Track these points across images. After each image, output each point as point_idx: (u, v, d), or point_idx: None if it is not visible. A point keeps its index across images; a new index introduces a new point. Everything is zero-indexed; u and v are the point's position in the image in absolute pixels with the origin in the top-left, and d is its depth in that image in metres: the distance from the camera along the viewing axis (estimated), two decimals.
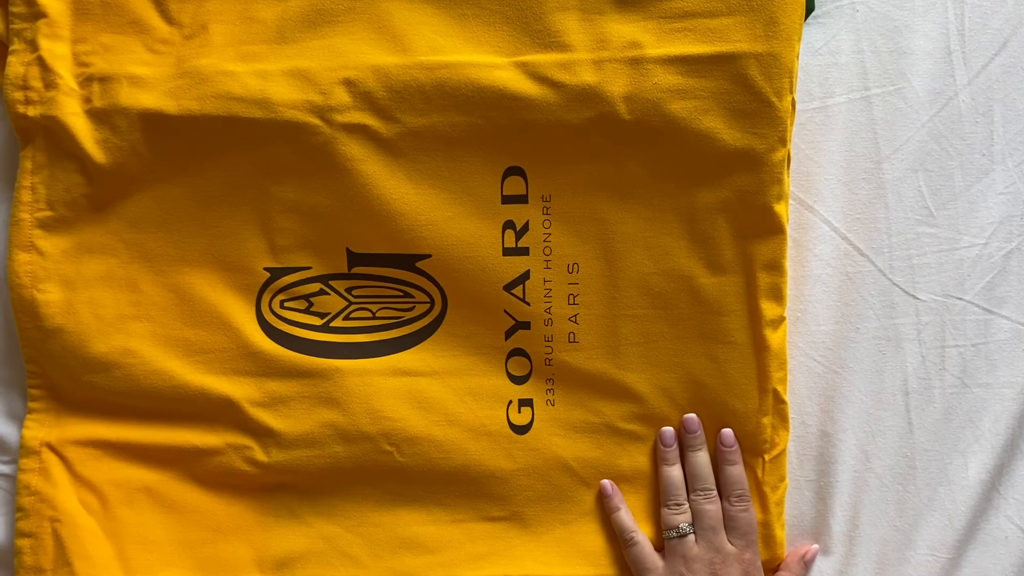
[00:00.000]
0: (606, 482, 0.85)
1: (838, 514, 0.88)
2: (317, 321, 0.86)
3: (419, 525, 0.86)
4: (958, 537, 0.88)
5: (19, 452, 0.86)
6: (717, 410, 0.84)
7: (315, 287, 0.86)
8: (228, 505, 0.86)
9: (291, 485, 0.86)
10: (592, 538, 0.86)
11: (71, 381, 0.85)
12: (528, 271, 0.84)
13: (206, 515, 0.86)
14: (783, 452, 0.84)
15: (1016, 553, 0.87)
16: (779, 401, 0.83)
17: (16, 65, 0.82)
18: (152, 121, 0.82)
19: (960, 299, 0.87)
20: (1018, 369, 0.88)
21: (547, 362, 0.85)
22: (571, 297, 0.84)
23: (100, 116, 0.83)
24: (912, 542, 0.88)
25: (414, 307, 0.86)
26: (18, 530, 0.84)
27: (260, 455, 0.85)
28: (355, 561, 0.86)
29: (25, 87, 0.82)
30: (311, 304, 0.86)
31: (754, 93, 0.79)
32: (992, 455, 0.88)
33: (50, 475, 0.84)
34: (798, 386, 0.88)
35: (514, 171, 0.83)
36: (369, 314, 0.86)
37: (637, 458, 0.85)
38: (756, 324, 0.83)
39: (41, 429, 0.85)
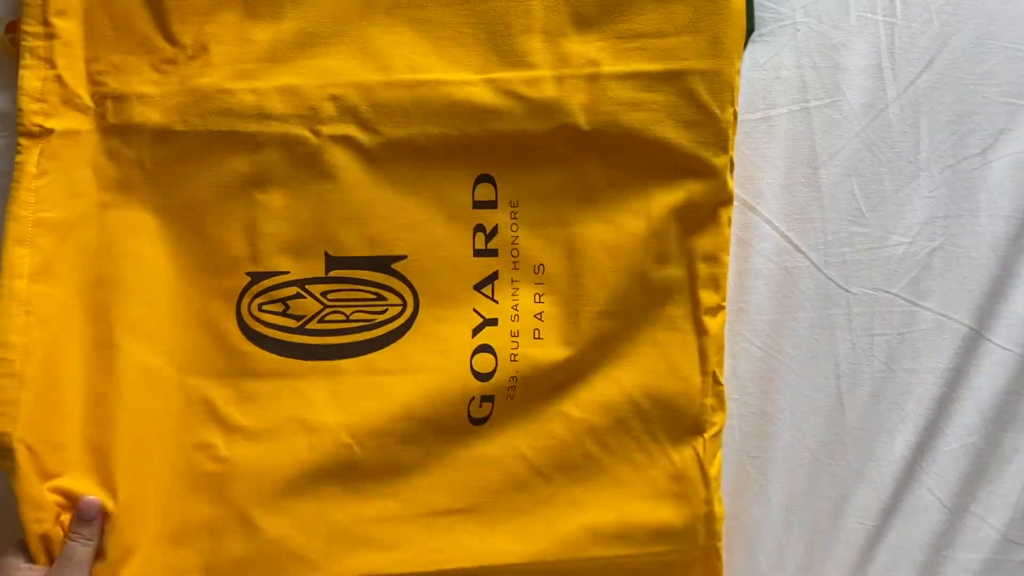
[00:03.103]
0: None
1: (776, 486, 0.92)
2: (293, 323, 0.87)
3: (376, 522, 0.87)
4: (884, 507, 0.92)
5: None
6: (663, 394, 0.86)
7: (292, 291, 0.87)
8: (180, 513, 0.86)
9: (248, 484, 0.86)
10: (546, 526, 0.87)
11: (42, 369, 0.83)
12: (497, 271, 0.87)
13: (154, 523, 0.86)
14: (720, 431, 0.87)
15: (935, 521, 0.92)
16: (717, 383, 0.86)
17: (32, 79, 0.83)
18: (161, 137, 0.85)
19: (888, 292, 0.91)
20: (940, 356, 0.91)
21: (512, 358, 0.86)
22: (537, 296, 0.87)
23: (113, 131, 0.85)
24: (842, 511, 0.92)
25: (387, 310, 0.87)
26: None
27: (224, 451, 0.86)
28: (308, 563, 0.86)
29: (41, 99, 0.84)
30: (288, 307, 0.87)
31: (699, 106, 0.82)
32: (915, 434, 0.92)
33: (25, 475, 0.82)
34: (741, 370, 0.91)
35: (484, 179, 0.87)
36: (343, 317, 0.87)
37: (589, 446, 0.87)
38: (697, 311, 0.86)
39: (11, 421, 0.81)
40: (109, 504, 0.82)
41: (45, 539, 0.80)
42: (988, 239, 0.91)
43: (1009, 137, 0.90)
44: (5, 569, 0.79)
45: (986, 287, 0.91)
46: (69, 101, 0.85)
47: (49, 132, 0.84)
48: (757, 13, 0.89)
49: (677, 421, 0.87)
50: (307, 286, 0.87)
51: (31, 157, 0.83)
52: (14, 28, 0.87)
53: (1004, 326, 0.91)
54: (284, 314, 0.87)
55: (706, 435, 0.86)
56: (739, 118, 0.88)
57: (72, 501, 0.82)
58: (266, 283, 0.87)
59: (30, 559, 0.80)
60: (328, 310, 0.87)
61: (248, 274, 0.87)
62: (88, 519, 0.80)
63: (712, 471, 0.87)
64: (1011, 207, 0.91)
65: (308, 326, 0.87)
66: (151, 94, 0.85)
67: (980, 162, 0.90)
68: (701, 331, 0.86)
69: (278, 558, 0.86)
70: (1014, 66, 0.90)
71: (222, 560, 0.85)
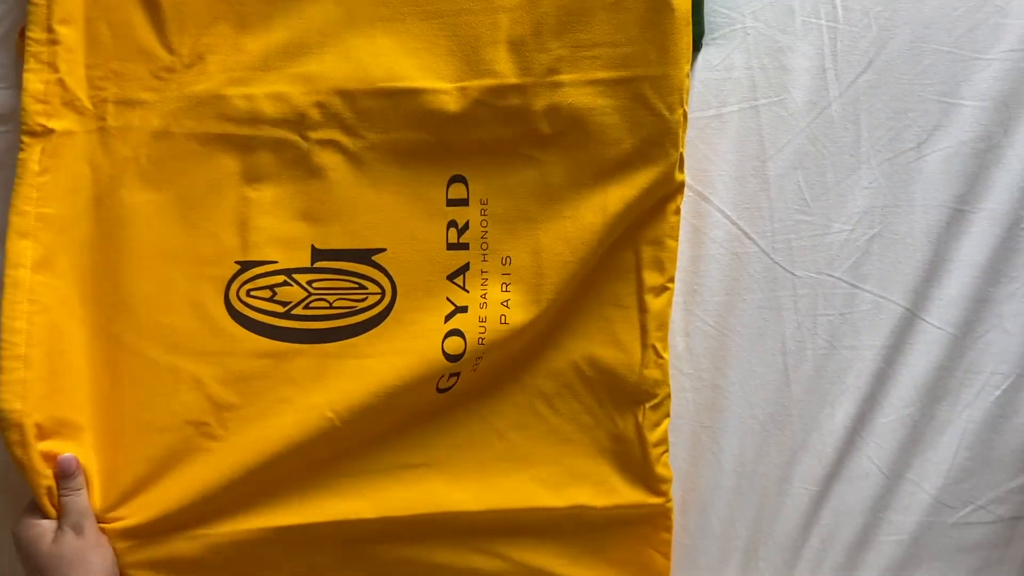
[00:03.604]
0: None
1: (728, 453, 0.95)
2: (279, 309, 0.91)
3: (351, 476, 0.91)
4: (826, 473, 0.95)
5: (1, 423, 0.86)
6: (605, 362, 0.91)
7: (279, 279, 0.91)
8: (177, 485, 0.89)
9: (238, 459, 0.88)
10: (501, 479, 0.92)
11: (47, 352, 0.87)
12: (468, 263, 0.91)
13: (152, 495, 0.90)
14: (662, 400, 0.91)
15: (874, 486, 0.95)
16: (658, 356, 0.90)
17: (35, 82, 0.88)
18: (158, 137, 0.89)
19: (830, 276, 0.94)
20: (877, 334, 0.94)
21: (480, 341, 0.89)
22: (504, 285, 0.90)
23: (113, 132, 0.90)
24: (789, 477, 0.95)
25: (367, 298, 0.91)
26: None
27: (218, 430, 0.89)
28: (288, 510, 0.90)
29: (44, 101, 0.88)
30: (275, 293, 0.90)
31: (650, 109, 0.86)
32: (855, 406, 0.95)
33: (32, 446, 0.86)
34: (695, 347, 0.94)
35: (457, 179, 0.91)
36: (326, 304, 0.91)
37: (539, 408, 0.92)
38: (640, 291, 0.90)
39: (17, 398, 0.86)
40: (95, 482, 0.89)
41: (50, 493, 0.87)
42: (922, 227, 0.94)
43: (942, 133, 0.93)
44: (25, 526, 0.86)
45: (920, 271, 0.94)
46: (69, 103, 0.90)
47: (50, 132, 0.89)
48: (709, 18, 0.94)
49: (619, 388, 0.91)
50: (294, 275, 0.91)
51: (33, 155, 0.88)
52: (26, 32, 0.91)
53: (937, 307, 0.94)
54: (271, 300, 0.91)
55: (647, 404, 0.91)
56: (694, 115, 0.93)
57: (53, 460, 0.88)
58: (254, 271, 0.91)
59: (43, 516, 0.87)
60: (313, 297, 0.91)
61: (237, 263, 0.91)
62: (69, 474, 0.87)
63: (652, 437, 0.91)
64: (943, 197, 0.93)
65: (294, 312, 0.91)
66: (150, 100, 0.90)
67: (915, 156, 0.93)
68: (643, 308, 0.90)
69: (262, 506, 0.90)
70: (946, 67, 0.93)
71: (211, 512, 0.90)
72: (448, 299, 0.91)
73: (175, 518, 0.89)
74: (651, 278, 0.91)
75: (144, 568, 0.90)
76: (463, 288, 0.91)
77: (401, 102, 0.89)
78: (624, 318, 0.91)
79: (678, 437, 0.95)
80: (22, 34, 0.91)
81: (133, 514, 0.90)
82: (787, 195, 0.95)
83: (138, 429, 0.91)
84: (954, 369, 0.95)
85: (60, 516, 0.87)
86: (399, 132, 0.90)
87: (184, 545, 0.90)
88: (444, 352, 0.90)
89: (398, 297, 0.92)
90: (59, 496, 0.87)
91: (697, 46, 0.93)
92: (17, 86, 0.93)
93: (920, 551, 0.97)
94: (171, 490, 0.89)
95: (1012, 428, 0.96)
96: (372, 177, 0.91)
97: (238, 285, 0.91)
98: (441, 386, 0.91)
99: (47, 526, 0.86)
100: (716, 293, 0.96)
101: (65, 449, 0.88)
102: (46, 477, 0.87)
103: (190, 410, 0.90)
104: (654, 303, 0.91)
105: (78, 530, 0.86)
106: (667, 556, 0.94)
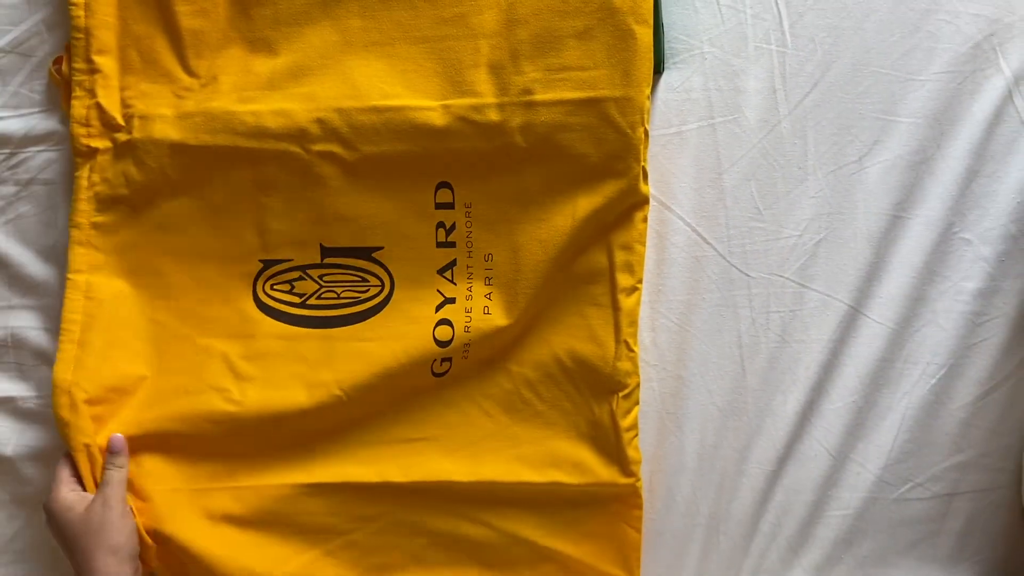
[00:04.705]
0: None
1: (690, 438, 0.99)
2: (297, 300, 0.99)
3: (357, 445, 0.98)
4: (779, 455, 0.99)
5: (52, 391, 0.95)
6: (583, 355, 0.96)
7: (296, 274, 0.98)
8: (199, 446, 0.98)
9: (256, 422, 0.96)
10: (489, 455, 0.97)
11: (101, 335, 0.96)
12: (455, 259, 0.97)
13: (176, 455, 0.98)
14: (633, 390, 0.95)
15: (822, 467, 0.99)
16: (629, 350, 0.95)
17: (80, 108, 0.96)
18: (177, 149, 0.95)
19: (781, 276, 0.98)
20: (824, 329, 0.98)
21: (466, 329, 0.95)
22: (487, 279, 0.97)
23: (139, 145, 0.96)
24: (745, 459, 0.99)
25: (368, 289, 0.98)
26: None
27: (237, 395, 0.97)
28: (300, 468, 0.98)
29: (87, 124, 0.96)
30: (293, 287, 0.99)
31: (614, 127, 0.91)
32: (805, 394, 0.98)
33: (78, 410, 0.95)
34: (660, 341, 0.99)
35: (443, 185, 0.97)
36: (335, 295, 0.98)
37: (525, 394, 0.98)
38: (614, 291, 0.95)
39: (69, 371, 0.94)
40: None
41: (88, 451, 0.95)
42: (864, 232, 0.97)
43: (881, 147, 0.97)
44: (55, 499, 0.94)
45: (862, 272, 0.98)
46: (107, 124, 0.97)
47: (95, 151, 0.97)
48: (670, 44, 0.99)
49: (595, 378, 0.96)
50: (308, 270, 0.99)
51: (84, 173, 0.97)
52: (59, 61, 1.00)
53: (877, 304, 0.98)
54: (290, 292, 0.99)
55: (620, 393, 0.95)
56: (657, 132, 0.98)
57: (103, 423, 0.97)
58: (275, 268, 0.99)
59: (71, 489, 0.95)
60: (324, 289, 0.99)
61: (260, 261, 1.00)
62: (117, 451, 0.96)
63: (625, 423, 0.96)
64: (882, 205, 0.97)
65: (308, 302, 1.00)
66: (171, 115, 0.97)
67: (857, 168, 0.97)
68: (616, 307, 0.95)
69: (278, 466, 0.99)
70: (885, 88, 0.97)
71: (231, 468, 0.99)
72: (438, 291, 0.98)
73: (202, 469, 0.99)
74: (623, 279, 0.96)
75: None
76: (451, 281, 0.98)
77: (392, 118, 0.95)
78: (600, 316, 0.96)
79: (645, 423, 0.99)
80: (56, 63, 0.99)
81: (163, 465, 0.99)
82: (741, 204, 0.99)
83: (173, 392, 0.99)
84: (894, 360, 0.99)
85: (98, 485, 0.95)
86: (390, 144, 0.96)
87: (211, 496, 0.99)
88: (435, 339, 0.96)
89: (395, 289, 0.99)
90: (103, 468, 0.96)
91: (659, 70, 0.98)
92: (51, 110, 1.01)
93: (864, 525, 1.01)
94: (196, 445, 0.98)
95: (946, 413, 1.00)
96: (367, 184, 0.97)
97: (263, 280, 1.00)
98: (436, 370, 0.98)
99: (76, 498, 0.94)
100: (678, 293, 1.00)
101: (112, 413, 0.98)
102: (87, 435, 0.95)
103: (216, 377, 0.99)
104: (626, 302, 0.96)
105: (109, 500, 0.94)
106: (638, 530, 0.99)
